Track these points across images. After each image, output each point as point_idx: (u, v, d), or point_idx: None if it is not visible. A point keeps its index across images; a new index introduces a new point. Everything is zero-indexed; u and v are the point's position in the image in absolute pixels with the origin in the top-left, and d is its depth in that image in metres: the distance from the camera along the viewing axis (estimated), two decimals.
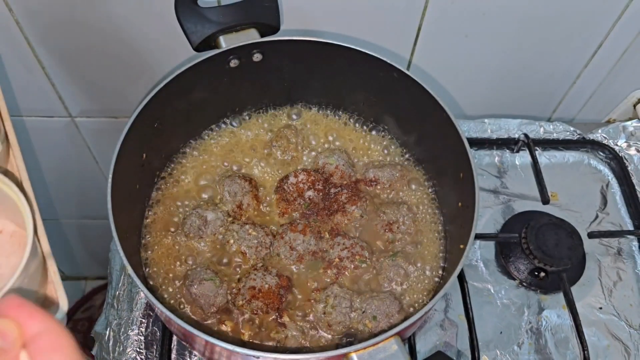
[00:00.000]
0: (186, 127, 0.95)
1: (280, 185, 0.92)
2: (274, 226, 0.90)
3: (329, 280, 0.86)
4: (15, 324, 0.41)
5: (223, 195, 0.91)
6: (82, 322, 1.95)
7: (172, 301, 0.83)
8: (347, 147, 0.98)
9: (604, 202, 1.10)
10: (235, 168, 0.95)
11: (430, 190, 0.95)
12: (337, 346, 0.81)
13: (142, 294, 0.93)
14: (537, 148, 1.12)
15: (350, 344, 0.80)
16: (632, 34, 1.04)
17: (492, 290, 0.99)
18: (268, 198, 0.93)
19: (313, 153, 0.97)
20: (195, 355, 0.90)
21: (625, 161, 1.12)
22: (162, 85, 0.82)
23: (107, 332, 0.92)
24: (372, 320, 0.81)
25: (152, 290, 0.83)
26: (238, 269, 0.86)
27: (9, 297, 0.42)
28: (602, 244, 1.05)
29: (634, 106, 1.20)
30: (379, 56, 0.86)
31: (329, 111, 1.01)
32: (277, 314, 0.82)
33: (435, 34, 1.03)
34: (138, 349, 0.89)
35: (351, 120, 1.01)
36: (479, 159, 1.12)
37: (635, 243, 1.06)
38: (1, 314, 0.41)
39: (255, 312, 0.81)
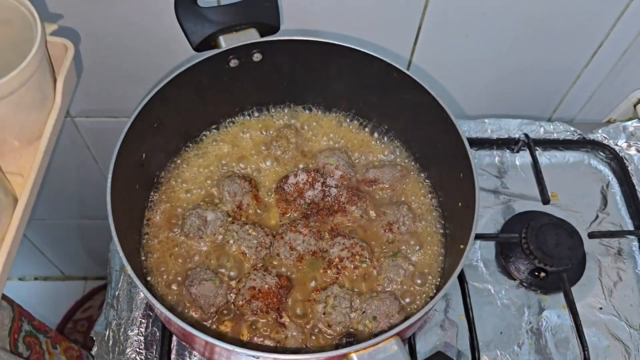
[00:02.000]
0: (186, 127, 0.95)
1: (280, 185, 0.92)
2: (274, 226, 0.90)
3: (329, 280, 0.86)
4: None
5: (223, 196, 0.91)
6: (81, 322, 1.95)
7: (171, 301, 0.83)
8: (347, 147, 0.98)
9: (604, 202, 1.10)
10: (234, 168, 0.95)
11: (430, 190, 0.95)
12: (337, 346, 0.81)
13: (141, 294, 0.93)
14: (538, 148, 1.12)
15: (350, 344, 0.80)
16: (632, 33, 1.05)
17: (493, 291, 0.99)
18: (268, 198, 0.93)
19: (313, 153, 0.97)
20: (195, 356, 0.90)
21: (625, 161, 1.12)
22: (161, 85, 0.82)
23: (107, 333, 0.92)
24: (372, 320, 0.81)
25: (151, 290, 0.83)
26: (238, 270, 0.86)
27: None
28: (602, 244, 1.05)
29: (634, 106, 1.20)
30: (379, 56, 0.86)
31: (328, 111, 1.01)
32: (277, 314, 0.82)
33: (435, 33, 1.03)
34: (138, 349, 0.89)
35: (351, 120, 1.00)
36: (479, 159, 1.12)
37: (636, 243, 1.06)
38: None
39: (255, 312, 0.81)
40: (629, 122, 1.17)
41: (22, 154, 0.86)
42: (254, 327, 0.82)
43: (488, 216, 1.07)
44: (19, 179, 0.84)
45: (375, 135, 1.00)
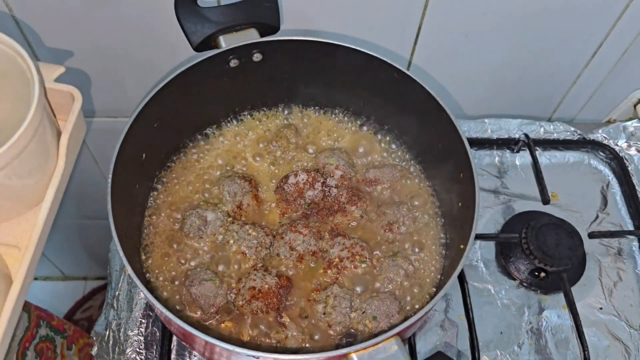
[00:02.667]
0: (186, 127, 0.95)
1: (280, 185, 0.92)
2: (274, 226, 0.90)
3: (329, 280, 0.86)
4: None
5: (223, 196, 0.91)
6: (81, 322, 1.95)
7: (171, 301, 0.83)
8: (347, 147, 0.98)
9: (604, 202, 1.10)
10: (235, 168, 0.95)
11: (430, 190, 0.95)
12: (337, 346, 0.81)
13: (141, 294, 0.93)
14: (538, 148, 1.12)
15: (350, 344, 0.80)
16: (632, 34, 1.04)
17: (493, 291, 0.99)
18: (268, 198, 0.93)
19: (313, 153, 0.97)
20: (195, 356, 0.90)
21: (625, 161, 1.12)
22: (161, 85, 0.82)
23: (107, 333, 0.92)
24: (372, 320, 0.81)
25: (151, 290, 0.83)
26: (238, 270, 0.86)
27: None
28: (602, 244, 1.05)
29: (634, 106, 1.20)
30: (379, 56, 0.86)
31: (329, 111, 1.01)
32: (277, 314, 0.82)
33: (435, 33, 1.03)
34: (138, 350, 0.89)
35: (351, 120, 1.00)
36: (479, 159, 1.12)
37: (636, 243, 1.06)
38: None
39: (255, 312, 0.81)
40: (629, 122, 1.17)
41: (20, 221, 0.78)
42: (254, 327, 0.82)
43: (488, 216, 1.07)
44: (15, 251, 0.75)
45: (376, 135, 1.00)
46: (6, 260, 0.75)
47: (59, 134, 0.78)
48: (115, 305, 0.94)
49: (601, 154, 1.14)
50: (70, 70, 0.84)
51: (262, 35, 0.88)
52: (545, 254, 0.95)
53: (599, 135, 1.15)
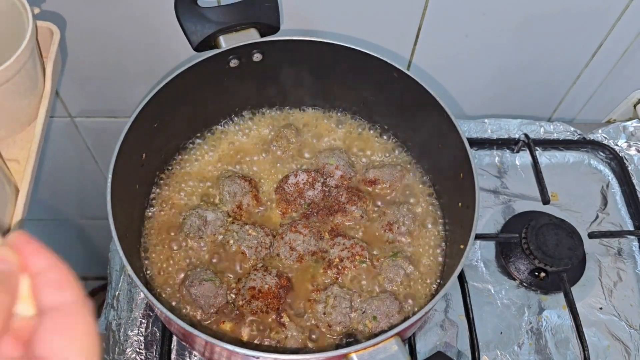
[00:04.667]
0: (186, 127, 0.95)
1: (280, 185, 0.92)
2: (274, 226, 0.90)
3: (329, 280, 0.86)
4: (13, 251, 0.41)
5: (223, 196, 0.91)
6: None
7: (171, 301, 0.83)
8: (347, 147, 0.98)
9: (604, 202, 1.10)
10: (235, 168, 0.95)
11: (430, 190, 0.95)
12: (337, 346, 0.81)
13: (141, 294, 0.93)
14: (538, 148, 1.12)
15: (350, 344, 0.80)
16: (632, 34, 1.05)
17: (493, 291, 0.99)
18: (268, 198, 0.93)
19: (313, 153, 0.97)
20: (195, 356, 0.90)
21: (625, 161, 1.12)
22: (162, 85, 0.82)
23: (107, 333, 0.92)
24: (372, 320, 0.81)
25: (151, 290, 0.83)
26: (238, 270, 0.86)
27: (16, 232, 0.43)
28: (602, 244, 1.05)
29: (634, 106, 1.20)
30: (379, 56, 0.86)
31: (329, 111, 1.01)
32: (277, 314, 0.82)
33: (435, 33, 1.03)
34: (138, 349, 0.89)
35: (351, 120, 1.01)
36: (479, 159, 1.12)
37: (636, 243, 1.06)
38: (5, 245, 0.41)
39: (255, 312, 0.81)
40: (629, 122, 1.17)
41: (16, 140, 0.87)
42: (254, 327, 0.82)
43: (488, 216, 1.07)
44: (15, 165, 0.85)
45: (375, 135, 1.00)
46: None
47: (42, 66, 0.87)
48: (115, 305, 0.94)
49: (601, 154, 1.13)
50: (44, 12, 0.92)
51: (262, 35, 0.88)
52: (545, 254, 0.95)
53: (599, 135, 1.15)
